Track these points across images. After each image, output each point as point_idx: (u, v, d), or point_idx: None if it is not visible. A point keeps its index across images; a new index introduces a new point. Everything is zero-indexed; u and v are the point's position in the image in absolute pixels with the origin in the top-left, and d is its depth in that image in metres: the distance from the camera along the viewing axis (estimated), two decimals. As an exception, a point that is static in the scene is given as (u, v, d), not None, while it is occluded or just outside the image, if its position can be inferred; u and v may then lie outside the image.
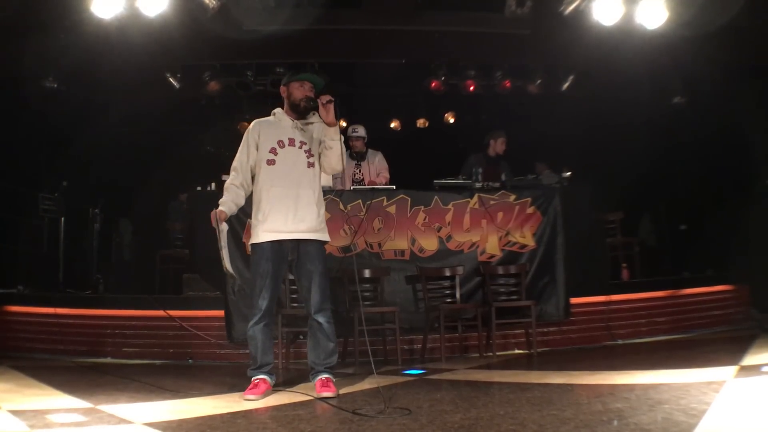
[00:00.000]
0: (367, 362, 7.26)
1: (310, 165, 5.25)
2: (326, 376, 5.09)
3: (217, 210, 5.18)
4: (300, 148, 5.28)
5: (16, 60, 9.58)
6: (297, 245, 5.15)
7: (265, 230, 5.22)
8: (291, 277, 6.48)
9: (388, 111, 14.14)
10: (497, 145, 9.85)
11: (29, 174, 11.39)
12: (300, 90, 5.34)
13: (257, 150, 5.33)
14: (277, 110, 5.46)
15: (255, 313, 5.18)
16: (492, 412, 3.95)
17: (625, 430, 3.32)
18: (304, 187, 5.17)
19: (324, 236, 5.24)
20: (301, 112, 5.28)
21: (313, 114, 5.36)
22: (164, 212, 12.17)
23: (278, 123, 5.39)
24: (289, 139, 5.29)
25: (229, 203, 5.23)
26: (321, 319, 5.14)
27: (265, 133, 5.35)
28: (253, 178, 5.39)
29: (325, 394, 4.87)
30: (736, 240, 10.46)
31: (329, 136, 5.11)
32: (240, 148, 5.39)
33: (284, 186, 5.18)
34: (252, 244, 5.32)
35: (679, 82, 11.63)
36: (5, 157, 10.52)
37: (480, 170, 9.12)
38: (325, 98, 5.09)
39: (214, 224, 5.12)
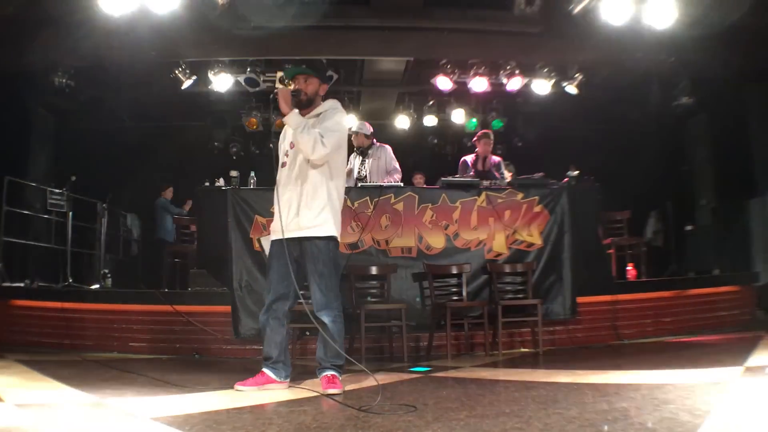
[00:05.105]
0: (374, 359, 7.34)
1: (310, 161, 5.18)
2: (332, 372, 5.07)
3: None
4: None
5: (26, 55, 9.61)
6: (299, 244, 5.11)
7: (272, 230, 5.28)
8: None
9: (396, 108, 14.15)
10: (481, 146, 9.94)
11: (37, 169, 11.44)
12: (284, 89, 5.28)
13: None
14: None
15: (264, 306, 5.24)
16: (497, 410, 3.94)
17: (629, 429, 3.32)
18: (304, 185, 5.12)
19: (322, 231, 5.08)
20: (294, 107, 5.24)
21: (320, 105, 5.34)
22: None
23: None
24: None
25: None
26: (324, 318, 5.07)
27: (283, 138, 5.41)
28: None
29: (331, 390, 4.86)
30: (742, 241, 10.46)
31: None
32: None
33: (288, 185, 5.19)
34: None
35: (686, 82, 11.61)
36: (13, 152, 10.56)
37: (472, 171, 9.29)
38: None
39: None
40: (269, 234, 5.43)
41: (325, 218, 5.11)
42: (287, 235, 5.06)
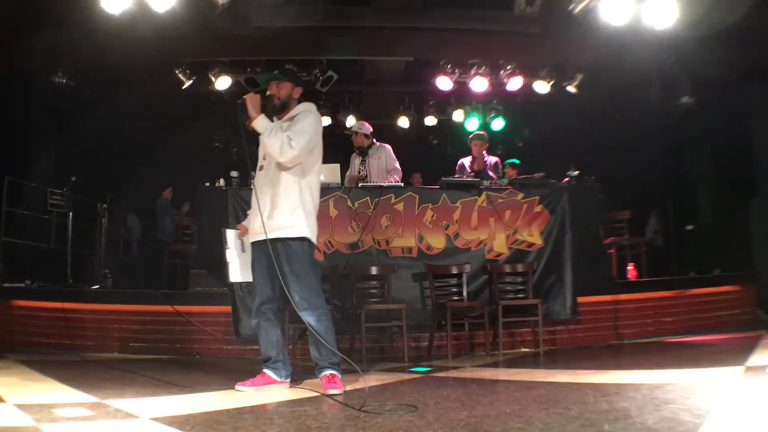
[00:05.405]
0: (374, 359, 7.34)
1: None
2: (331, 372, 5.06)
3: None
4: None
5: (27, 55, 9.61)
6: (274, 245, 5.09)
7: (250, 232, 5.36)
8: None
9: (396, 108, 14.14)
10: (474, 148, 9.98)
11: (38, 169, 11.43)
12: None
13: None
14: None
15: (253, 310, 5.34)
16: (498, 410, 3.95)
17: (630, 429, 3.32)
18: (276, 187, 5.16)
19: (294, 233, 5.10)
20: (268, 113, 5.29)
21: (295, 108, 5.42)
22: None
23: None
24: None
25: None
26: (308, 318, 5.05)
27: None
28: None
29: (331, 391, 4.86)
30: (743, 241, 10.45)
31: None
32: None
33: (263, 188, 5.24)
34: None
35: (687, 82, 11.60)
36: (14, 152, 10.56)
37: (471, 173, 9.38)
38: None
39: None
40: (240, 229, 5.50)
41: (296, 220, 5.13)
42: (261, 237, 5.10)
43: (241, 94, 5.39)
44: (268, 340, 5.23)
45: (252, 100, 5.17)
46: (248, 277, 5.47)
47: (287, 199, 5.13)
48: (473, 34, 10.85)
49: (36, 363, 6.52)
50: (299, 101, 5.49)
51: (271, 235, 5.04)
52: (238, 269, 5.49)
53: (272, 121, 5.32)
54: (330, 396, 4.75)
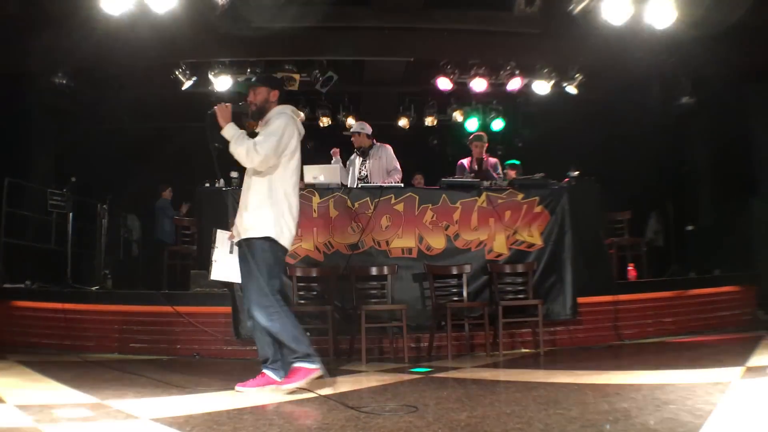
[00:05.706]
0: (374, 359, 7.33)
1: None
2: (295, 365, 5.03)
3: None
4: None
5: (27, 55, 9.61)
6: (243, 245, 5.18)
7: (233, 234, 5.41)
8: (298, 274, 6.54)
9: (396, 109, 14.13)
10: (475, 149, 9.99)
11: (38, 170, 11.43)
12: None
13: None
14: None
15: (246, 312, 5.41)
16: (498, 411, 3.95)
17: (631, 429, 3.32)
18: (249, 189, 5.25)
19: (257, 232, 5.13)
20: (242, 121, 5.37)
21: (268, 113, 5.47)
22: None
23: None
24: None
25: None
26: (259, 317, 5.07)
27: None
28: None
29: (285, 386, 4.95)
30: (743, 241, 10.44)
31: None
32: None
33: (243, 190, 5.36)
34: None
35: (687, 82, 11.60)
36: (14, 153, 10.55)
37: (471, 173, 9.41)
38: None
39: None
40: (232, 231, 5.56)
41: (262, 220, 5.16)
42: (238, 238, 5.21)
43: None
44: (263, 341, 5.23)
45: (221, 111, 5.27)
46: (232, 278, 5.53)
47: (254, 200, 5.20)
48: (473, 34, 10.85)
49: (36, 364, 6.52)
50: (279, 103, 5.55)
51: (243, 236, 5.17)
52: (221, 268, 5.55)
53: (257, 126, 5.45)
54: (330, 397, 4.76)
